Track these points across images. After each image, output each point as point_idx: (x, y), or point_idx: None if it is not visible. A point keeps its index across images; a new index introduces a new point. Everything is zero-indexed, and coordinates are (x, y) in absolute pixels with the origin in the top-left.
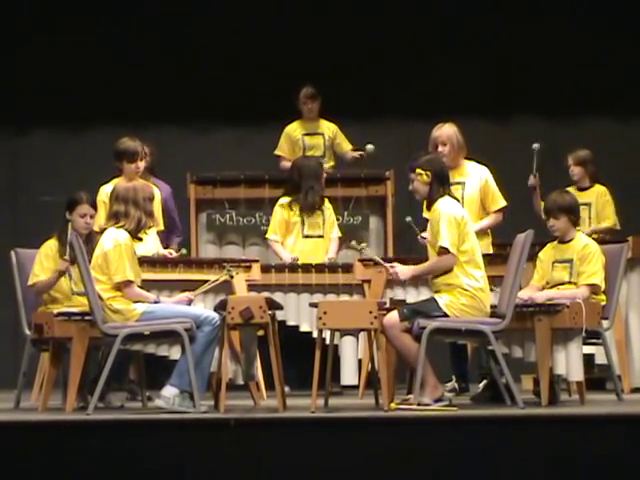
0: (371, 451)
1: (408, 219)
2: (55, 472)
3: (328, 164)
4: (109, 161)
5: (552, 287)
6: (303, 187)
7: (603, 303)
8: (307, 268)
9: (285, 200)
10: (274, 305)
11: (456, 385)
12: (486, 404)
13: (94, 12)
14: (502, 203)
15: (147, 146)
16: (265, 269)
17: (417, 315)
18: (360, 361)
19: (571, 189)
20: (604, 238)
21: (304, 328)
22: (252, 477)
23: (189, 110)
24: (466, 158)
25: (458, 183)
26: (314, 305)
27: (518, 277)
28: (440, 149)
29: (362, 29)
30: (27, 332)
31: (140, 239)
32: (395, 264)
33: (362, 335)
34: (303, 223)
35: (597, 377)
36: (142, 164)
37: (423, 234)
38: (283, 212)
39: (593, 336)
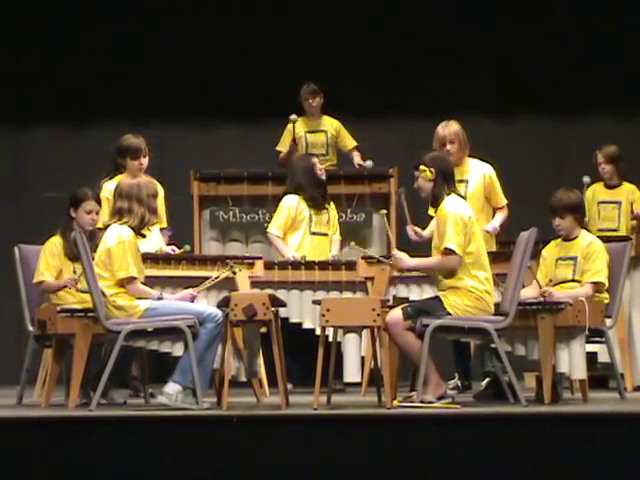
0: (373, 448)
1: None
2: (57, 468)
3: (330, 162)
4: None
5: (555, 285)
6: (303, 185)
7: (606, 301)
8: (310, 265)
9: (294, 197)
10: (277, 302)
11: (459, 383)
12: (489, 402)
13: (96, 9)
14: (505, 200)
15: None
16: (268, 266)
17: (421, 314)
18: (363, 358)
19: (597, 186)
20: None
21: (307, 325)
22: (255, 474)
23: (192, 107)
24: (469, 155)
25: (461, 180)
26: (317, 302)
27: (521, 275)
28: (448, 147)
29: (365, 27)
30: (30, 328)
31: (144, 236)
32: (397, 252)
33: (365, 332)
34: (311, 220)
35: (600, 375)
36: (145, 161)
37: (415, 228)
38: (291, 208)
39: (596, 334)
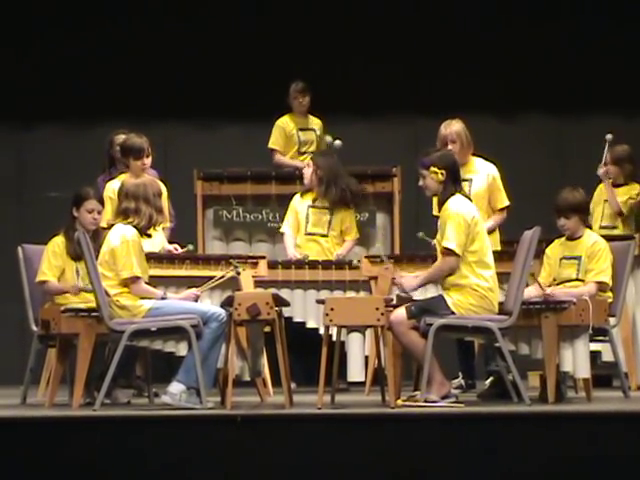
0: (377, 448)
1: (420, 235)
2: (61, 468)
3: None
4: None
5: (559, 284)
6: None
7: (610, 300)
8: (314, 265)
9: (297, 195)
10: (281, 301)
11: (463, 382)
12: (493, 401)
13: (99, 8)
14: (506, 202)
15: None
16: (272, 265)
17: (425, 313)
18: (367, 358)
19: (604, 185)
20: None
21: (311, 324)
22: (258, 473)
23: (195, 106)
24: (473, 154)
25: (465, 180)
26: (321, 302)
27: (525, 274)
28: (450, 147)
29: (368, 26)
30: (34, 328)
31: (149, 236)
32: (401, 274)
33: (369, 332)
34: (307, 220)
35: (604, 374)
36: (148, 161)
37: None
38: (292, 207)
39: (600, 333)
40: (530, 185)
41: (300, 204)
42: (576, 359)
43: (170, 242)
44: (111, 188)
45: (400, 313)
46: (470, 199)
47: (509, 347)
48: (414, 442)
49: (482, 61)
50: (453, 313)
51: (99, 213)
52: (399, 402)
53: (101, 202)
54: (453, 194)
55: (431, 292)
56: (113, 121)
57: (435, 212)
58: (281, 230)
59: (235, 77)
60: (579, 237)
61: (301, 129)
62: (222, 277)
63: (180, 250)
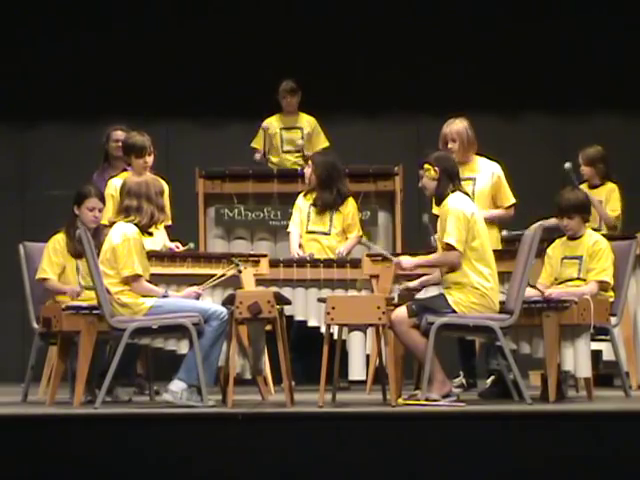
0: (378, 446)
1: (425, 219)
2: (62, 466)
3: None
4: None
5: (561, 283)
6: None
7: (611, 299)
8: (315, 263)
9: (300, 195)
10: (282, 300)
11: (464, 381)
12: (494, 400)
13: (103, 7)
14: (512, 200)
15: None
16: (273, 264)
17: (426, 311)
18: (368, 356)
19: (584, 186)
20: (612, 234)
21: (312, 323)
22: (260, 471)
23: (197, 105)
24: (478, 154)
25: (469, 179)
26: (322, 300)
27: (526, 273)
28: (450, 145)
29: (371, 25)
30: (35, 326)
31: (151, 234)
32: (396, 258)
33: (370, 330)
34: (308, 218)
35: (605, 373)
36: (150, 159)
37: (435, 236)
38: (296, 206)
39: (601, 332)
40: (533, 185)
41: (303, 203)
42: (577, 358)
43: (171, 240)
44: (113, 186)
45: (401, 312)
46: (470, 196)
47: (510, 346)
48: (415, 441)
49: (485, 60)
50: (454, 312)
51: (100, 211)
52: (400, 401)
53: (102, 200)
54: (452, 191)
55: (432, 291)
56: (115, 120)
57: (434, 210)
58: (288, 230)
59: (237, 76)
60: (580, 237)
61: (285, 128)
62: (223, 275)
63: (181, 248)
